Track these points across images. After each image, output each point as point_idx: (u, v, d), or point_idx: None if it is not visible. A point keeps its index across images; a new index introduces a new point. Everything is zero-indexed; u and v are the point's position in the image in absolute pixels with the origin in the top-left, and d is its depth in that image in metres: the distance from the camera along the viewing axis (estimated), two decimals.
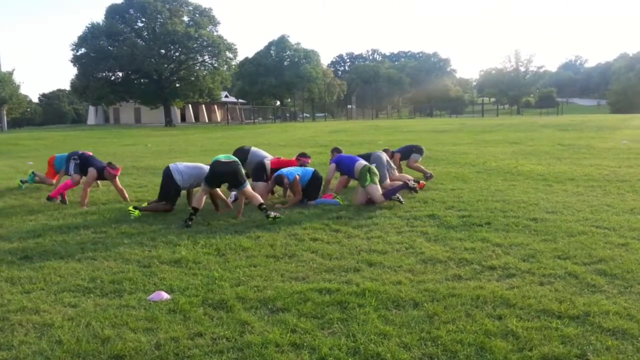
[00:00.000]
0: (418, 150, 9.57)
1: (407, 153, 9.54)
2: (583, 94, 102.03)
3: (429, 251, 4.73)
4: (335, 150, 8.55)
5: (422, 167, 9.41)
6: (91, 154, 7.99)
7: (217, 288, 3.86)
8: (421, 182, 8.24)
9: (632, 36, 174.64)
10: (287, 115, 61.31)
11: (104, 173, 7.50)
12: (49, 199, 7.41)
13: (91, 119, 62.91)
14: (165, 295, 3.72)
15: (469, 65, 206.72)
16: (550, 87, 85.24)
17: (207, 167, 6.49)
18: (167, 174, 6.52)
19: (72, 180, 7.56)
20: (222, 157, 6.32)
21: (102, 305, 3.59)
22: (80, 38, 45.44)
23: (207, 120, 61.08)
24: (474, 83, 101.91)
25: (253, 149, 8.19)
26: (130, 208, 6.43)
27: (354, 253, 4.75)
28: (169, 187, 6.48)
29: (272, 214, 5.98)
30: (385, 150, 9.37)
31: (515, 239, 5.07)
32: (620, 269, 4.09)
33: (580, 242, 4.88)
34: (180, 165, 6.64)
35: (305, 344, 2.94)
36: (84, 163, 7.59)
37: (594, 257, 4.42)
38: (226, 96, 63.55)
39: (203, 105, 60.55)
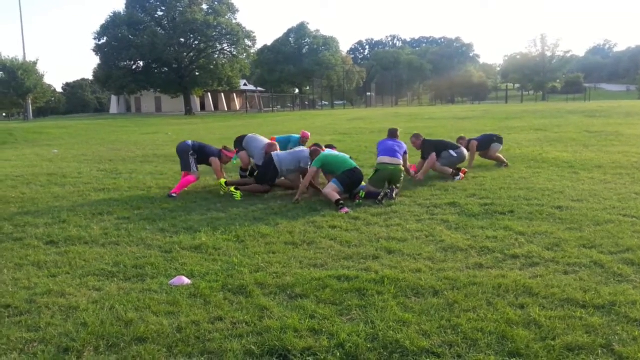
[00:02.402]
0: (499, 139, 9.19)
1: (486, 143, 9.16)
2: (612, 80, 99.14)
3: (450, 239, 4.67)
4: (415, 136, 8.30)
5: (502, 157, 9.10)
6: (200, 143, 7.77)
7: (236, 274, 3.89)
8: (463, 169, 8.05)
9: None
10: (306, 103, 61.18)
11: (221, 157, 7.46)
12: (170, 196, 6.95)
13: (113, 108, 63.84)
14: (186, 280, 3.77)
15: (492, 50, 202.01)
16: (577, 73, 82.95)
17: (306, 151, 7.11)
18: (269, 162, 6.93)
19: (194, 176, 7.31)
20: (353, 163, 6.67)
21: (125, 289, 3.65)
22: (102, 27, 45.88)
23: (226, 109, 61.37)
24: (498, 68, 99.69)
25: (249, 135, 8.14)
26: (232, 189, 6.81)
27: (372, 240, 4.72)
28: (268, 171, 6.89)
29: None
30: (460, 138, 9.12)
31: (539, 227, 4.98)
32: None
33: (606, 231, 4.76)
34: (282, 154, 7.09)
35: (324, 330, 2.94)
36: (201, 152, 7.39)
37: (621, 246, 4.31)
38: (245, 84, 63.66)
39: (222, 94, 60.80)
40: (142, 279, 3.88)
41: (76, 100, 79.58)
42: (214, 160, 7.33)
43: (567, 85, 74.99)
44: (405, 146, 7.24)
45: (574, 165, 8.74)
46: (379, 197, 6.27)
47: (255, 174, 7.45)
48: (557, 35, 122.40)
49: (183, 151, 7.36)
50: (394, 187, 6.56)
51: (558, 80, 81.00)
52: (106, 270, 4.07)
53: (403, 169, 6.83)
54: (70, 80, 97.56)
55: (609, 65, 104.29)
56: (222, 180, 7.07)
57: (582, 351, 2.68)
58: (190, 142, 7.51)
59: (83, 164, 10.76)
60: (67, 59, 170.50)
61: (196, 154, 7.34)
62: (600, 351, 2.68)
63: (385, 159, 6.84)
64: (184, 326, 3.03)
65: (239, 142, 8.12)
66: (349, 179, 6.39)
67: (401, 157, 6.98)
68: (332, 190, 6.24)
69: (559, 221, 5.19)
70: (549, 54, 79.63)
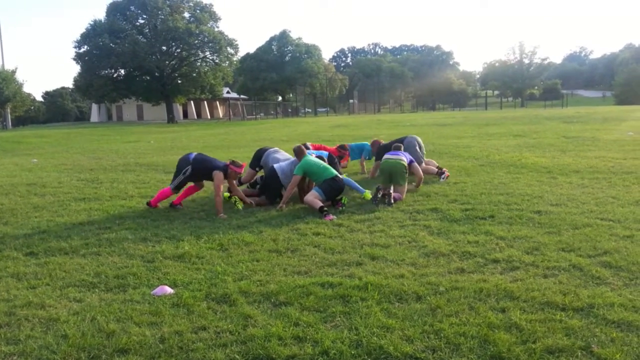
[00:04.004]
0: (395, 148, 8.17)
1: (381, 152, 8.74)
2: (588, 86, 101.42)
3: (432, 245, 4.72)
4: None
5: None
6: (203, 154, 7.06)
7: (220, 282, 3.87)
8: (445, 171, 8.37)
9: (638, 26, 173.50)
10: (289, 110, 61.19)
11: (228, 172, 6.62)
12: (172, 206, 6.67)
13: (94, 116, 63.08)
14: (169, 290, 3.74)
15: (472, 57, 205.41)
16: (554, 79, 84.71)
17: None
18: (273, 175, 6.84)
19: (169, 189, 6.70)
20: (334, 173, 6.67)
21: (106, 300, 3.61)
22: (82, 35, 45.40)
23: (209, 117, 61.08)
24: (478, 76, 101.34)
25: (270, 149, 7.74)
26: (235, 198, 6.65)
27: (356, 247, 4.75)
28: (273, 186, 6.81)
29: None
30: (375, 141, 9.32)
31: (519, 231, 5.06)
32: (625, 261, 4.08)
33: (584, 235, 4.86)
34: (284, 165, 6.97)
35: (308, 337, 2.95)
36: (201, 167, 6.61)
37: (598, 250, 4.41)
38: (228, 92, 63.49)
39: (205, 102, 60.53)
40: (123, 289, 3.84)
41: (56, 109, 78.51)
42: (217, 174, 6.49)
43: (545, 92, 76.40)
44: (410, 157, 7.52)
45: (552, 170, 8.90)
46: (376, 200, 6.50)
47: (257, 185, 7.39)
48: (534, 43, 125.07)
49: (179, 164, 6.72)
50: (390, 191, 6.58)
51: (536, 87, 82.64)
52: (87, 281, 4.02)
53: (405, 164, 7.07)
54: (50, 88, 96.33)
55: (585, 72, 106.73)
56: (227, 194, 6.80)
57: (562, 354, 2.73)
58: (193, 154, 6.80)
59: (63, 173, 10.59)
60: (47, 67, 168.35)
61: (190, 169, 6.58)
62: (579, 353, 2.73)
63: (387, 156, 7.33)
64: (166, 336, 3.00)
65: (258, 158, 7.62)
66: (330, 187, 6.44)
67: (403, 156, 7.28)
68: (314, 197, 6.28)
69: (538, 225, 5.28)
70: (526, 61, 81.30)
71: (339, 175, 6.68)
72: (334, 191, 6.48)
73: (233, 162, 6.69)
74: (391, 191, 6.57)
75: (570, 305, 3.30)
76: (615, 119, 23.40)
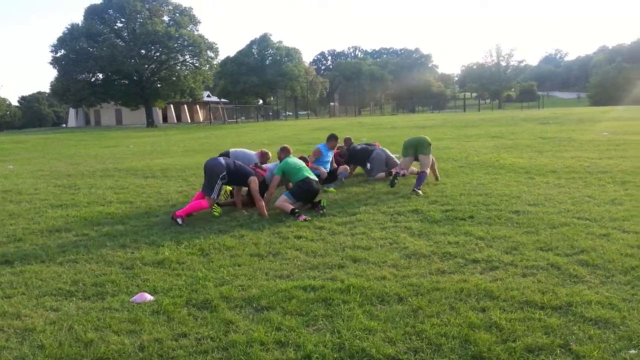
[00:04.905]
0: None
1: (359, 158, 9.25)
2: (563, 87, 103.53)
3: (413, 246, 4.75)
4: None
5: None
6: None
7: (201, 288, 3.82)
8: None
9: (612, 29, 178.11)
10: (270, 113, 61.10)
11: (258, 177, 6.59)
12: (174, 219, 5.99)
13: (71, 121, 62.04)
14: (148, 297, 3.68)
15: (450, 60, 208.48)
16: (531, 81, 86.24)
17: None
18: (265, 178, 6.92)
19: (209, 203, 6.30)
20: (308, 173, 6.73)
21: (84, 309, 3.53)
22: (59, 39, 44.71)
23: (189, 120, 60.61)
24: (456, 78, 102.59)
25: (232, 150, 7.84)
26: (214, 205, 6.43)
27: (338, 250, 4.75)
28: (263, 185, 6.81)
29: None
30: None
31: (498, 231, 5.12)
32: (602, 259, 4.15)
33: (562, 234, 4.94)
34: (271, 166, 7.19)
35: (290, 342, 2.93)
36: (237, 177, 6.43)
37: (575, 248, 4.48)
38: (208, 96, 63.12)
39: (185, 106, 60.09)
40: (102, 297, 3.77)
41: (32, 114, 77.17)
42: (253, 180, 6.39)
43: (521, 94, 77.70)
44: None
45: (529, 170, 9.05)
46: (390, 180, 7.37)
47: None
48: (511, 46, 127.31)
49: (213, 171, 6.32)
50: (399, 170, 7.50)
51: (513, 89, 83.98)
52: (64, 289, 3.93)
53: (428, 139, 7.80)
54: (26, 93, 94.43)
55: (560, 73, 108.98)
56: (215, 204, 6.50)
57: (542, 352, 2.76)
58: (223, 161, 6.43)
59: (40, 179, 10.37)
60: (23, 71, 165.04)
61: (227, 177, 6.34)
62: (558, 351, 2.77)
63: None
64: (146, 344, 2.95)
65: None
66: (300, 189, 6.41)
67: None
68: (283, 202, 6.32)
69: (517, 225, 5.35)
70: (503, 63, 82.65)
71: (311, 177, 6.62)
72: (303, 193, 6.43)
73: (257, 165, 6.93)
74: (399, 170, 7.46)
75: (549, 303, 3.34)
76: (590, 119, 23.93)
